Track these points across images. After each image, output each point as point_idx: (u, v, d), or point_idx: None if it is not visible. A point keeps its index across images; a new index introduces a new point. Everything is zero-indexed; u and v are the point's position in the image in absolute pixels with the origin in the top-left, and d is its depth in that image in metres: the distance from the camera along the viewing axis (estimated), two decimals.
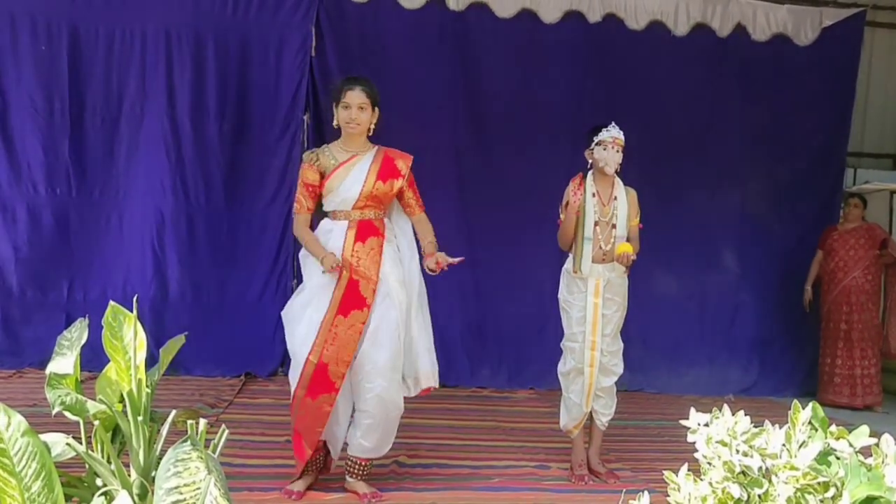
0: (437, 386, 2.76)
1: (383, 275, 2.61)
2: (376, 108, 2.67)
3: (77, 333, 2.23)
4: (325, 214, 2.72)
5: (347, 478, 2.65)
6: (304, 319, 2.57)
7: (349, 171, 2.63)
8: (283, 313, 2.69)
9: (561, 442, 3.29)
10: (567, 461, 3.10)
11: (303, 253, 2.70)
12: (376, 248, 2.63)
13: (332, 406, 2.51)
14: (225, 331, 4.70)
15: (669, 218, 4.88)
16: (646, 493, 1.66)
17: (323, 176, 2.64)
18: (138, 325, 2.05)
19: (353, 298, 2.54)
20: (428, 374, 2.70)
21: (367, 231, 2.64)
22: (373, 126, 2.68)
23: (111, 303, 2.15)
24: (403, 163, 2.72)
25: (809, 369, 5.29)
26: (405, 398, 2.66)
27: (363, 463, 2.63)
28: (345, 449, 2.68)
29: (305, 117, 4.85)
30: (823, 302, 5.17)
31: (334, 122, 2.68)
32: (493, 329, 5.00)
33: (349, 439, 2.64)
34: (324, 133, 4.55)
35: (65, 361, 2.13)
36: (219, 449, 1.93)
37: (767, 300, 5.34)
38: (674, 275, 5.23)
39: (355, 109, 2.60)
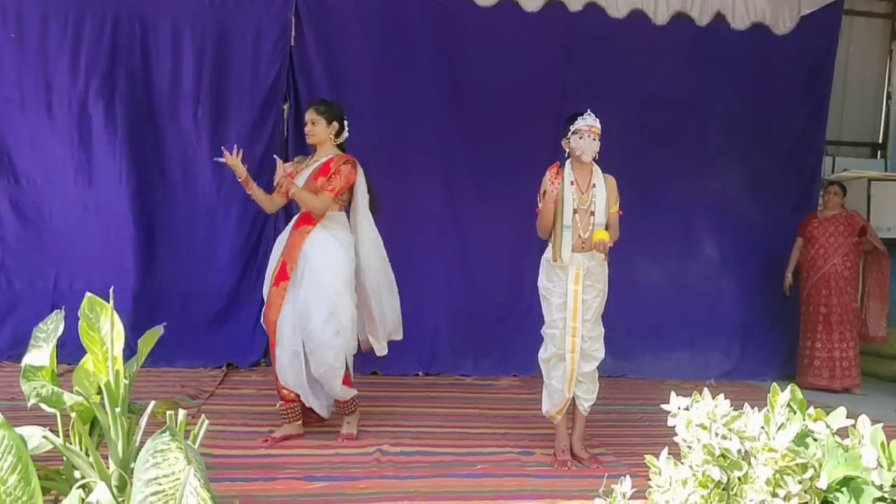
0: (400, 337, 3.50)
1: (304, 257, 3.16)
2: (333, 122, 3.28)
3: (53, 325, 2.21)
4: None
5: (343, 416, 3.29)
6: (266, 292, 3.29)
7: (304, 174, 3.26)
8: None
9: (544, 428, 3.31)
10: (550, 447, 3.13)
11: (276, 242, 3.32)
12: (304, 234, 3.20)
13: (275, 354, 3.16)
14: (206, 322, 4.68)
15: (650, 205, 4.92)
16: (627, 477, 1.68)
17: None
18: (115, 315, 2.03)
19: (282, 273, 3.22)
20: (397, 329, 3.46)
21: (304, 220, 3.24)
22: (332, 136, 3.28)
23: (87, 294, 2.13)
24: (335, 162, 3.23)
25: (789, 353, 5.37)
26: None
27: (338, 404, 3.26)
28: None
29: (285, 106, 4.82)
30: (803, 288, 5.24)
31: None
32: (477, 318, 5.01)
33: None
34: (303, 121, 4.52)
35: (41, 353, 2.11)
36: (199, 439, 1.92)
37: (747, 286, 5.40)
38: (655, 262, 5.29)
39: (309, 124, 3.28)
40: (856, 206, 5.42)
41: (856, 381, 5.10)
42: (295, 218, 3.32)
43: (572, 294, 2.95)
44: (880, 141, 6.28)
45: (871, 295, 5.26)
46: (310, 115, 3.28)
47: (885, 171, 5.92)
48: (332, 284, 3.12)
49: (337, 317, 3.10)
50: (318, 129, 3.25)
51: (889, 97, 6.14)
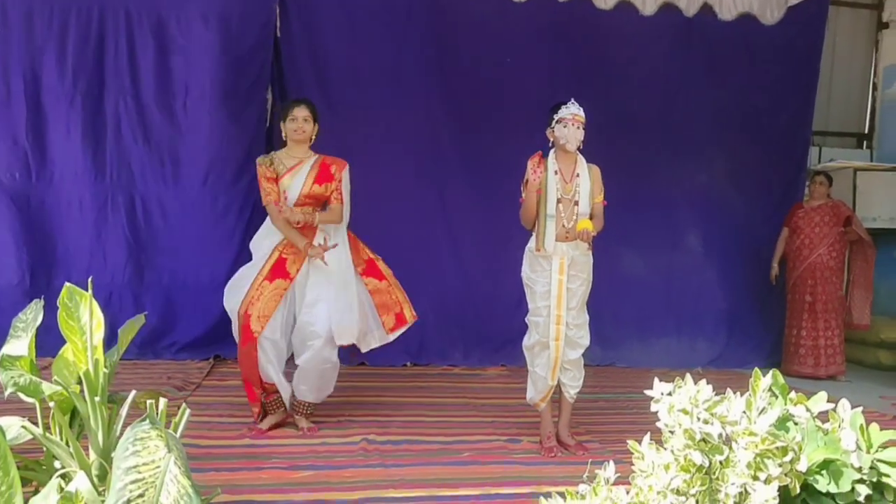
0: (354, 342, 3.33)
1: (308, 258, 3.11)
2: (316, 123, 3.26)
3: (32, 315, 2.19)
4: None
5: (295, 415, 3.23)
6: (240, 283, 3.17)
7: (294, 177, 3.18)
8: (229, 282, 3.24)
9: (532, 416, 3.32)
10: (537, 435, 3.14)
11: (253, 243, 3.30)
12: (308, 236, 3.17)
13: (257, 351, 3.05)
14: (193, 314, 4.65)
15: (636, 195, 4.93)
16: (611, 462, 1.69)
17: (277, 176, 3.19)
18: (94, 304, 2.02)
19: (279, 270, 3.14)
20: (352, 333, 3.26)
21: (304, 224, 3.17)
22: (314, 137, 3.26)
23: (66, 284, 2.11)
24: (336, 168, 3.25)
25: (776, 341, 5.41)
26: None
27: (304, 404, 3.22)
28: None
29: (269, 95, 4.79)
30: (789, 277, 5.27)
31: (283, 136, 3.26)
32: (465, 309, 5.02)
33: (294, 386, 3.20)
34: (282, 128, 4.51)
35: (19, 343, 2.09)
36: (180, 428, 1.91)
37: (733, 275, 5.43)
38: (642, 251, 5.30)
39: (301, 120, 3.19)
40: (842, 197, 5.45)
41: (840, 368, 5.16)
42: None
43: (556, 283, 2.95)
44: (866, 131, 6.31)
45: (856, 284, 5.31)
46: (302, 112, 3.20)
47: (871, 161, 5.95)
48: (341, 280, 3.14)
49: (348, 312, 3.14)
50: (308, 126, 3.21)
51: (875, 88, 6.18)
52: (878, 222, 5.60)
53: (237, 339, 3.14)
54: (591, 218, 3.00)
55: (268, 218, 3.26)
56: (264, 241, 3.23)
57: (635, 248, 5.26)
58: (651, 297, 5.28)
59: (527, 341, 3.09)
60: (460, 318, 5.01)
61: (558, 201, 2.96)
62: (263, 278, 3.10)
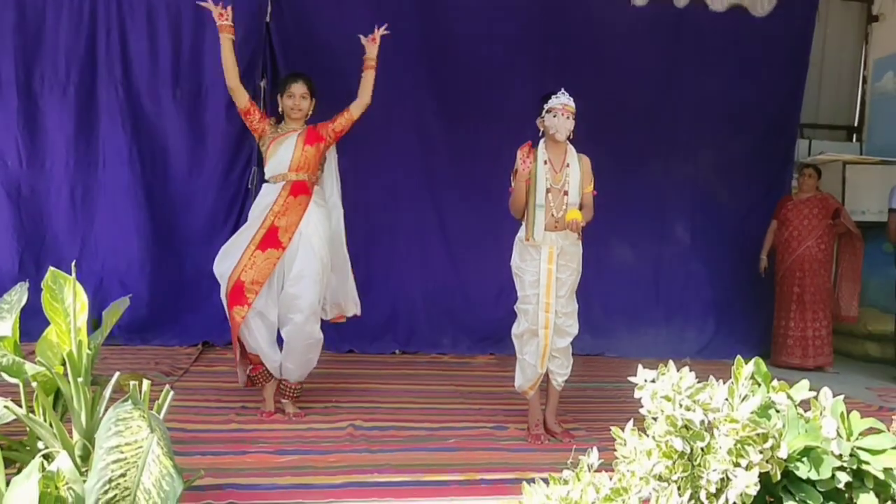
0: (359, 314, 3.51)
1: (304, 225, 3.16)
2: (314, 99, 3.27)
3: (17, 297, 2.19)
4: (266, 181, 3.27)
5: (281, 399, 3.24)
6: (233, 250, 3.20)
7: (282, 143, 3.20)
8: (222, 248, 3.26)
9: (520, 404, 3.34)
10: (525, 422, 3.16)
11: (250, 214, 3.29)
12: (303, 203, 3.19)
13: (243, 318, 3.10)
14: (182, 301, 4.65)
15: (626, 186, 4.94)
16: (594, 449, 1.70)
17: (262, 132, 3.24)
18: (78, 287, 2.01)
19: (271, 239, 3.15)
20: (354, 305, 3.46)
21: (299, 189, 3.20)
22: (310, 112, 3.27)
23: (51, 268, 2.10)
24: (322, 127, 3.27)
25: (764, 332, 5.43)
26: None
27: (292, 386, 3.23)
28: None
29: (262, 83, 4.75)
30: (778, 269, 5.29)
31: (280, 110, 3.27)
32: (455, 297, 5.03)
33: (282, 367, 3.20)
34: (279, 101, 4.48)
35: (3, 325, 2.09)
36: (164, 410, 1.91)
37: (722, 267, 5.45)
38: (631, 242, 5.31)
39: (298, 98, 3.21)
40: (831, 189, 5.47)
41: (828, 360, 5.19)
42: (284, 184, 3.19)
43: (545, 272, 2.96)
44: (856, 124, 6.33)
45: (844, 276, 5.34)
46: (300, 89, 3.20)
47: (861, 154, 5.96)
48: (324, 257, 3.18)
49: (324, 289, 3.22)
50: (305, 103, 3.22)
51: (865, 81, 6.19)
52: (867, 215, 5.61)
53: (225, 304, 3.15)
54: (580, 208, 3.00)
55: (264, 185, 3.27)
56: (257, 208, 3.24)
57: (625, 239, 5.27)
58: (641, 287, 5.30)
59: (516, 329, 3.10)
60: (450, 306, 5.02)
61: (548, 191, 2.96)
62: (256, 247, 3.12)
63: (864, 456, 1.45)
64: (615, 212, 4.74)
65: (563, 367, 3.10)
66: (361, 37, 3.32)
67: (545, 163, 2.98)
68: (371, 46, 3.27)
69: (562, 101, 2.94)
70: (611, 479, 1.59)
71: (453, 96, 5.00)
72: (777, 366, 5.05)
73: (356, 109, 3.27)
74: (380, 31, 3.29)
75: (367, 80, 3.27)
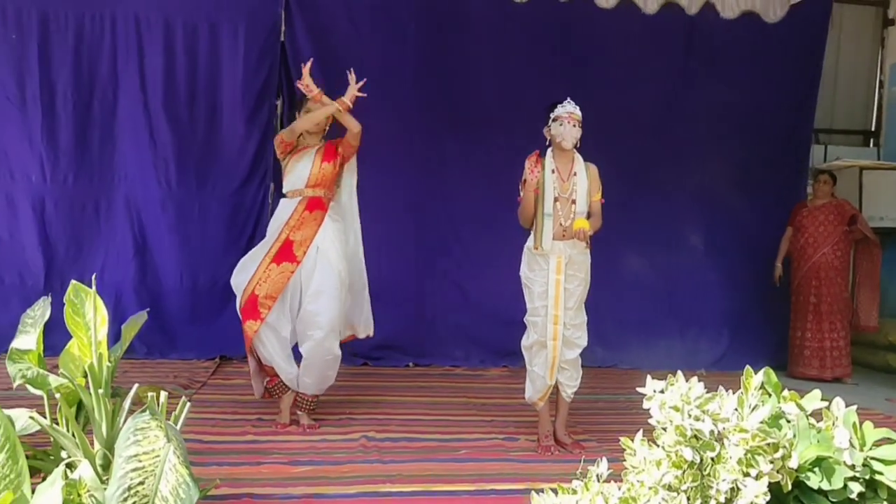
0: (371, 335, 3.55)
1: (320, 240, 3.22)
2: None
3: (40, 311, 2.25)
4: (283, 196, 3.36)
5: (297, 411, 3.28)
6: (249, 263, 3.27)
7: (301, 158, 3.28)
8: (240, 261, 3.34)
9: (531, 415, 3.34)
10: (535, 433, 3.15)
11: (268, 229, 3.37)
12: (319, 217, 3.25)
13: (255, 332, 3.15)
14: (200, 314, 4.72)
15: (636, 195, 4.94)
16: (604, 458, 1.71)
17: (295, 146, 3.30)
18: (99, 301, 2.07)
19: (285, 253, 3.21)
20: (365, 327, 3.49)
21: (315, 205, 3.27)
22: (327, 128, 3.37)
23: (73, 281, 2.17)
24: (339, 143, 3.33)
25: (780, 343, 5.35)
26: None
27: (307, 398, 3.27)
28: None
29: (278, 102, 4.84)
30: (793, 277, 5.23)
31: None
32: (468, 309, 5.03)
33: (298, 380, 3.24)
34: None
35: (28, 338, 2.15)
36: (181, 420, 1.96)
37: (736, 276, 5.39)
38: (643, 252, 5.26)
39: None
40: (848, 195, 5.41)
41: (846, 371, 5.09)
42: (300, 199, 3.26)
43: (554, 283, 2.97)
44: (873, 129, 6.28)
45: (862, 284, 5.26)
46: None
47: (878, 159, 5.91)
48: (342, 272, 3.22)
49: (343, 305, 3.25)
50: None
51: (881, 85, 6.14)
52: (885, 221, 5.54)
53: (240, 316, 3.20)
54: (588, 217, 3.02)
55: (282, 200, 3.34)
56: (275, 223, 3.31)
57: (637, 249, 5.24)
58: (653, 298, 5.26)
59: (525, 341, 3.11)
60: (463, 319, 5.03)
61: (555, 200, 2.98)
62: (270, 261, 3.18)
63: (877, 466, 1.43)
64: (628, 222, 4.74)
65: (572, 379, 3.10)
66: (349, 73, 3.32)
67: (553, 172, 3.00)
68: (351, 89, 3.26)
69: (568, 110, 2.96)
70: (619, 489, 1.59)
71: (464, 107, 5.04)
72: (794, 377, 4.98)
73: (352, 139, 3.30)
74: (359, 84, 3.29)
75: (345, 119, 3.25)
